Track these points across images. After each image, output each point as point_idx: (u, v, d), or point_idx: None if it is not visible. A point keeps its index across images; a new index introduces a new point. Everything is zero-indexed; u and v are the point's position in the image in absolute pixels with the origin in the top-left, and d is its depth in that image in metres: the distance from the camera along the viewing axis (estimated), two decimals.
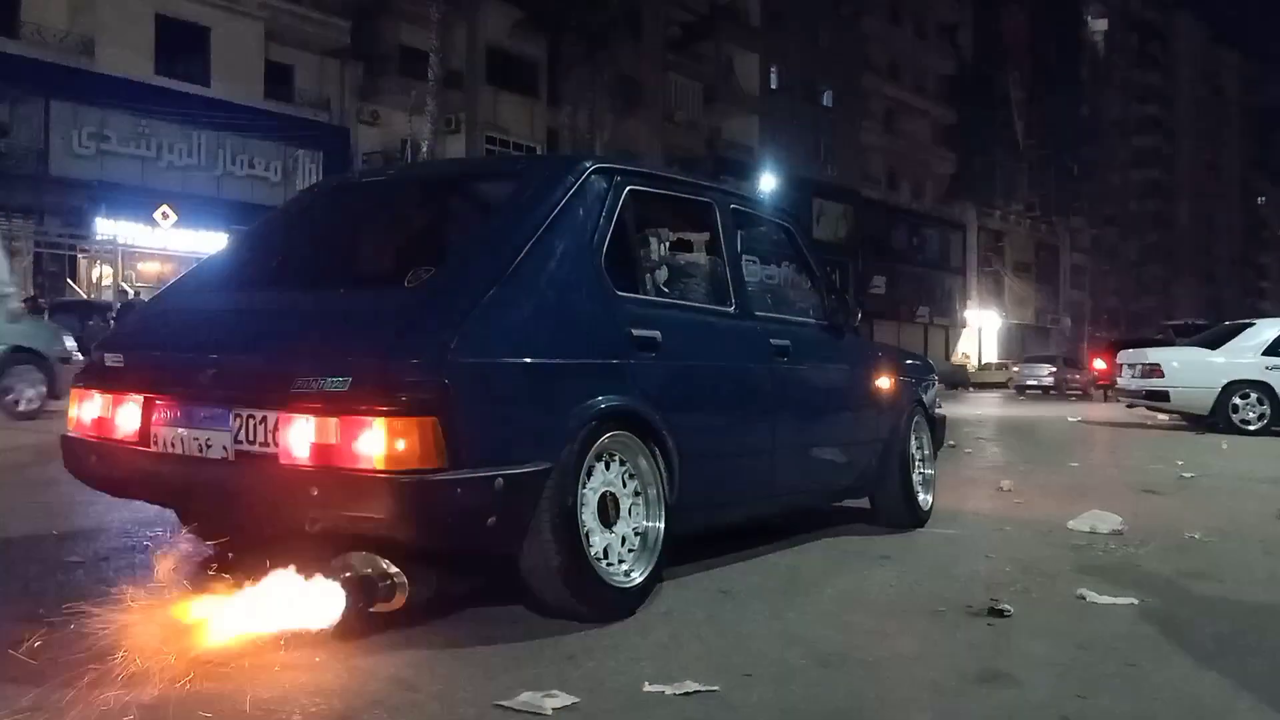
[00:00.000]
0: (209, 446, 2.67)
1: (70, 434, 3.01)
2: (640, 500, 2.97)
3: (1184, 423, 12.69)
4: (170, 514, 3.46)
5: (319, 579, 2.50)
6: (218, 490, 2.71)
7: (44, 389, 9.98)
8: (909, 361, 4.79)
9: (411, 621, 2.63)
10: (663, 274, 3.53)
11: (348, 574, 2.54)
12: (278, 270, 3.22)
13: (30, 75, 20.52)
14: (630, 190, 3.21)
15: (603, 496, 2.85)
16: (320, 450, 2.47)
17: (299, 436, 2.49)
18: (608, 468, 2.88)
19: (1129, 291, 65.40)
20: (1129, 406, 13.52)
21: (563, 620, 2.73)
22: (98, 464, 2.95)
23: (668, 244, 3.61)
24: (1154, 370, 12.53)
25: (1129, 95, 67.02)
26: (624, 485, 2.93)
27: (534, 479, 2.61)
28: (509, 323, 2.69)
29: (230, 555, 2.90)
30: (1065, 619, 3.05)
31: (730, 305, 3.53)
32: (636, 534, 2.95)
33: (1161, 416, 13.38)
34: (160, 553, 3.03)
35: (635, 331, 3.00)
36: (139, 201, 22.11)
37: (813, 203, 38.23)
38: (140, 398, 2.84)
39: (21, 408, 9.67)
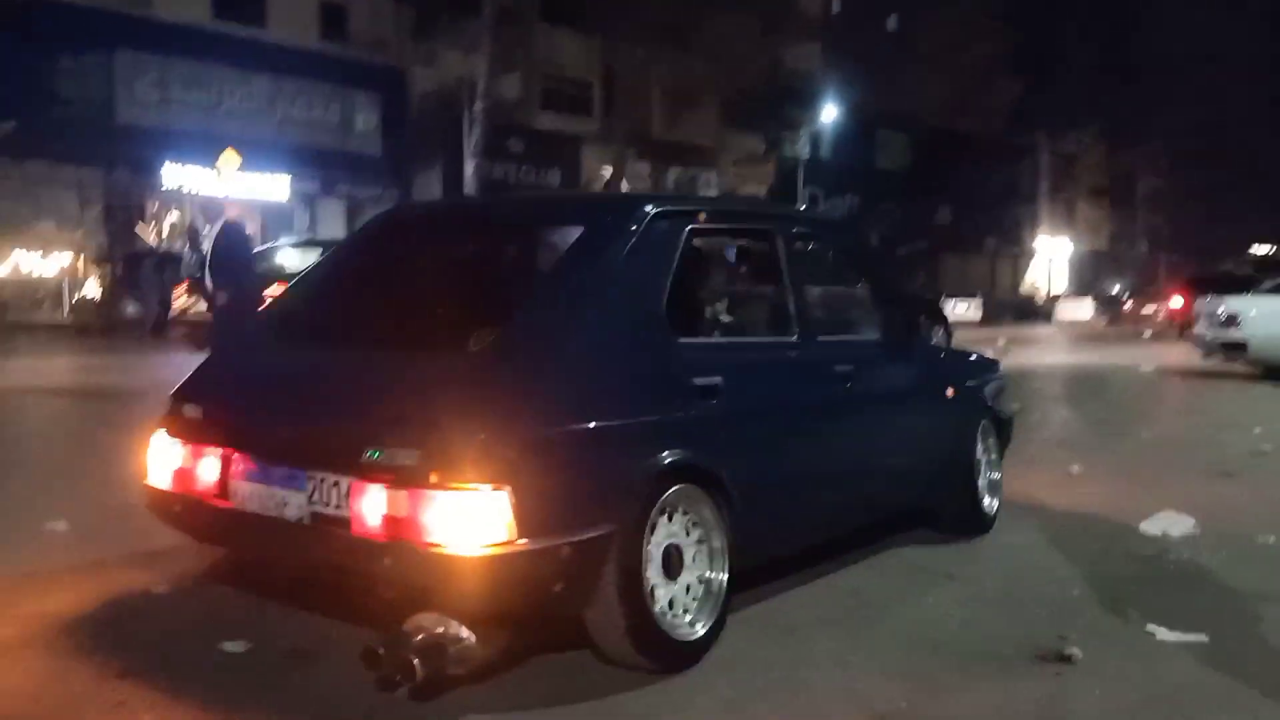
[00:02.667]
0: (285, 505, 2.75)
1: (153, 483, 3.11)
2: (704, 548, 2.99)
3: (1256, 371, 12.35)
4: None
5: (395, 644, 2.59)
6: (296, 553, 2.80)
7: None
8: (976, 364, 4.72)
9: (482, 675, 2.70)
10: (724, 306, 3.50)
11: (420, 636, 2.62)
12: (345, 319, 3.26)
13: (93, 25, 20.77)
14: (690, 230, 3.18)
15: (667, 549, 2.87)
16: (391, 522, 2.52)
17: (371, 507, 2.55)
18: (671, 520, 2.89)
19: (1208, 215, 63.00)
20: (1205, 356, 13.15)
21: (627, 672, 2.78)
22: (182, 513, 3.05)
23: (728, 277, 3.56)
24: (1231, 321, 12.18)
25: (1212, 11, 63.59)
26: (687, 535, 2.95)
27: (599, 543, 2.64)
28: (574, 388, 2.70)
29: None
30: (1134, 665, 3.01)
31: (792, 334, 3.49)
32: (700, 581, 2.98)
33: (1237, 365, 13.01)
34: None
35: (697, 380, 2.99)
36: (203, 148, 22.37)
37: (876, 132, 37.36)
38: (218, 452, 2.92)
39: None
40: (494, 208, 3.90)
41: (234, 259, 8.85)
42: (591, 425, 2.70)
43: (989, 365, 4.83)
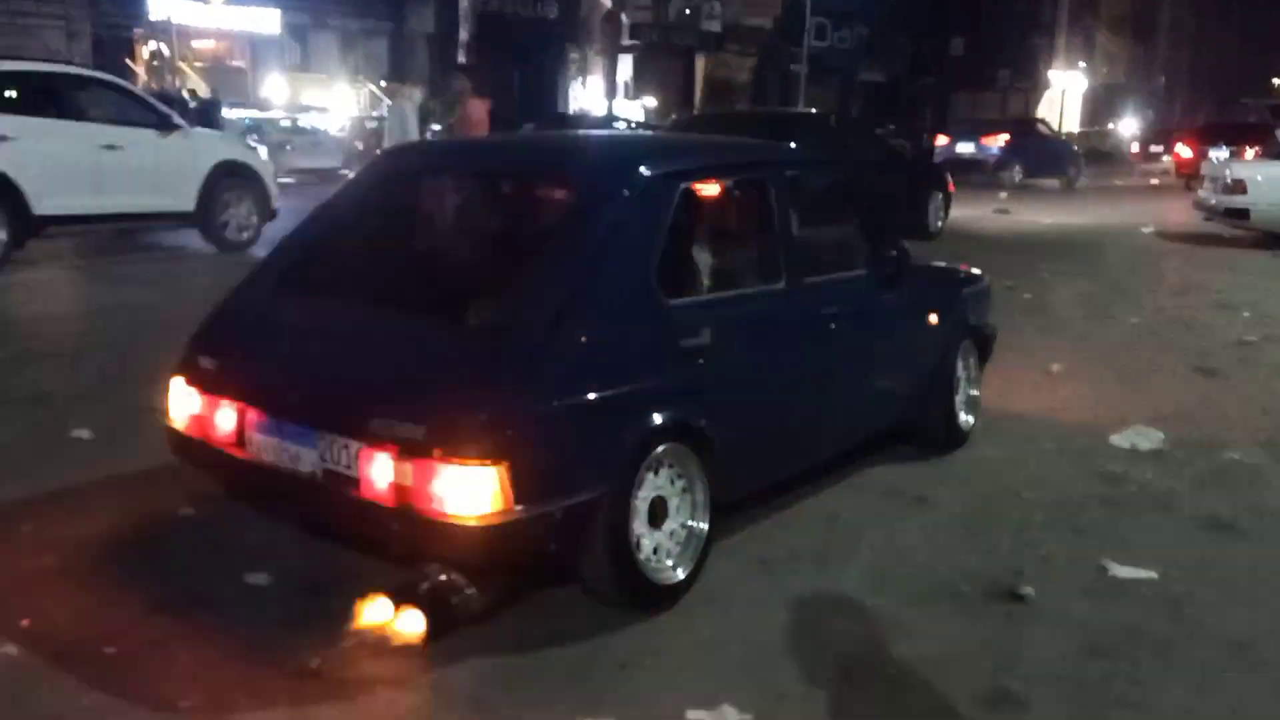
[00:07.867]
0: (298, 460, 2.94)
1: (173, 426, 3.29)
2: (687, 497, 3.19)
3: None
4: None
5: (402, 593, 2.85)
6: (309, 508, 3.02)
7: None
8: (960, 281, 4.81)
9: (483, 619, 2.93)
10: (713, 259, 3.57)
11: (426, 586, 2.88)
12: (353, 272, 3.35)
13: None
14: (684, 189, 3.24)
15: (653, 501, 3.08)
16: (398, 490, 2.71)
17: (380, 473, 2.73)
18: (657, 474, 3.07)
19: (1232, 46, 60.74)
20: (1206, 219, 13.14)
21: (615, 612, 3.03)
22: (200, 457, 3.24)
23: (718, 229, 3.62)
24: (1237, 186, 12.13)
25: None
26: (672, 485, 3.14)
27: (591, 504, 2.84)
28: (569, 363, 2.83)
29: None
30: (1083, 604, 3.25)
31: (780, 281, 3.58)
32: (683, 527, 3.19)
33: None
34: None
35: (685, 341, 3.12)
36: None
37: None
38: (234, 405, 3.09)
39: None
40: (494, 154, 3.90)
41: None
42: (585, 398, 2.84)
43: (972, 280, 4.91)
